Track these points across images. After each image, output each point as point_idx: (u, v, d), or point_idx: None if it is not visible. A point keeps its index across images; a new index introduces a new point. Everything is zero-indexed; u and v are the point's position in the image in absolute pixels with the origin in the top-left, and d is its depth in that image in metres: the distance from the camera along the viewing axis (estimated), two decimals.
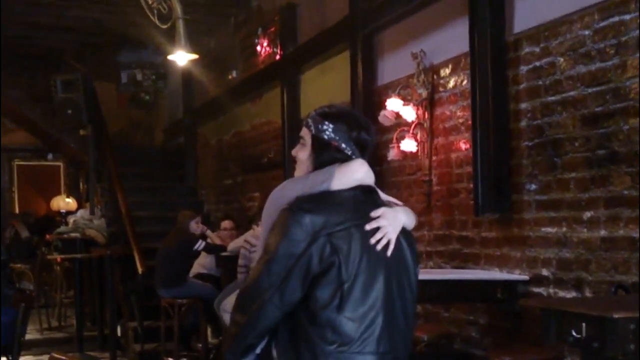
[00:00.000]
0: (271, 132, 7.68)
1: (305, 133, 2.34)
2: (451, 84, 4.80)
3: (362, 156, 2.29)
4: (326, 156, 2.29)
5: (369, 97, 5.63)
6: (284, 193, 2.29)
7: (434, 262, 4.96)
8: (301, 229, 2.14)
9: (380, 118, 5.09)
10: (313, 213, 2.15)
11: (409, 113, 4.97)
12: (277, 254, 2.15)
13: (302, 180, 2.31)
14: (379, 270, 2.17)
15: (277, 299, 2.15)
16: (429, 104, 4.94)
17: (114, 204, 8.77)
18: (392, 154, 5.07)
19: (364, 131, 2.31)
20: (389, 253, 2.19)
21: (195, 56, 7.05)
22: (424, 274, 4.61)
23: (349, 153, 2.28)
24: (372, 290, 2.17)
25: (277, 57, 7.41)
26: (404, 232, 2.26)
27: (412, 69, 5.05)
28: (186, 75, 9.56)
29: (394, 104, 5.01)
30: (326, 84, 6.60)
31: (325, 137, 2.28)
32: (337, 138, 2.28)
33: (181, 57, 7.07)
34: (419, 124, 4.97)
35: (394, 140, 5.06)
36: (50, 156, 13.52)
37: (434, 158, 4.93)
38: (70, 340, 8.27)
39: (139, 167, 9.96)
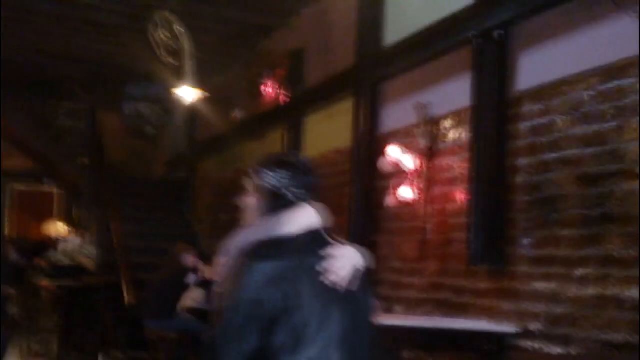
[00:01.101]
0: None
1: (250, 183, 2.41)
2: (452, 136, 4.88)
3: (310, 200, 2.34)
4: (276, 203, 2.35)
5: (370, 144, 5.71)
6: (238, 243, 2.33)
7: (425, 310, 4.97)
8: (255, 277, 2.18)
9: (380, 165, 5.20)
10: (265, 261, 2.20)
11: (409, 162, 5.05)
12: (236, 304, 2.20)
13: (254, 229, 2.37)
14: (333, 310, 2.21)
15: (237, 347, 2.20)
16: (429, 154, 5.00)
17: (108, 233, 8.78)
18: (389, 201, 5.15)
19: (308, 175, 2.37)
20: (342, 289, 2.21)
21: (201, 93, 7.18)
22: (412, 321, 4.66)
23: (295, 199, 2.34)
24: (326, 331, 2.21)
25: (283, 99, 7.53)
26: (357, 270, 2.28)
27: (414, 119, 5.14)
28: (191, 111, 9.65)
29: (394, 152, 5.12)
30: (329, 128, 6.69)
31: (271, 185, 2.35)
32: (282, 185, 2.34)
33: (188, 93, 7.20)
34: (417, 173, 5.03)
35: (392, 187, 5.14)
36: (46, 181, 13.49)
37: (430, 207, 4.98)
38: None
39: (137, 198, 10.00)
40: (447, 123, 4.93)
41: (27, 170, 12.63)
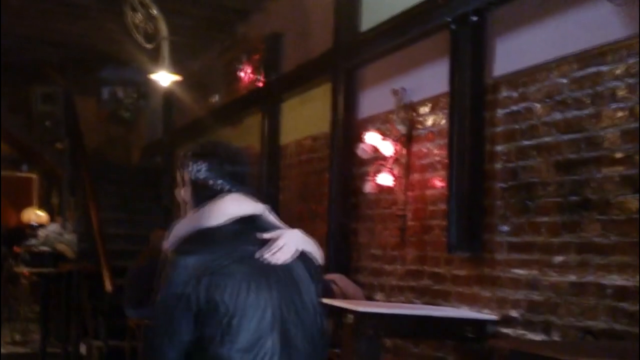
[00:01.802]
0: (250, 158, 7.67)
1: (180, 174, 2.41)
2: (429, 122, 4.85)
3: (239, 188, 2.33)
4: (202, 194, 2.34)
5: (348, 129, 5.67)
6: (171, 237, 2.33)
7: (405, 297, 4.97)
8: (180, 271, 2.19)
9: (359, 151, 5.17)
10: (191, 254, 2.20)
11: (387, 148, 5.02)
12: (164, 298, 2.22)
13: (185, 221, 2.35)
14: (266, 298, 2.21)
15: (168, 340, 2.21)
16: (407, 140, 4.97)
17: (86, 220, 8.69)
18: (368, 187, 5.11)
19: (235, 165, 2.36)
20: (278, 275, 2.23)
21: (178, 77, 7.07)
22: (394, 309, 4.66)
23: (222, 188, 2.33)
24: (260, 320, 2.20)
25: (260, 84, 7.45)
26: (296, 253, 2.28)
27: (391, 105, 5.10)
28: (167, 96, 9.55)
29: (372, 138, 5.09)
30: (306, 113, 6.64)
31: (199, 176, 2.35)
32: (209, 175, 2.34)
33: (164, 78, 7.08)
34: (396, 159, 5.00)
35: (371, 174, 5.11)
36: (24, 167, 13.34)
37: (409, 193, 4.96)
38: (33, 356, 8.17)
39: (114, 184, 9.88)
40: (425, 109, 4.90)
41: (3, 156, 12.46)
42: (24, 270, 9.09)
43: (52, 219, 11.03)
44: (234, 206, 2.31)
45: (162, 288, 2.23)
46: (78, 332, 7.64)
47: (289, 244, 2.27)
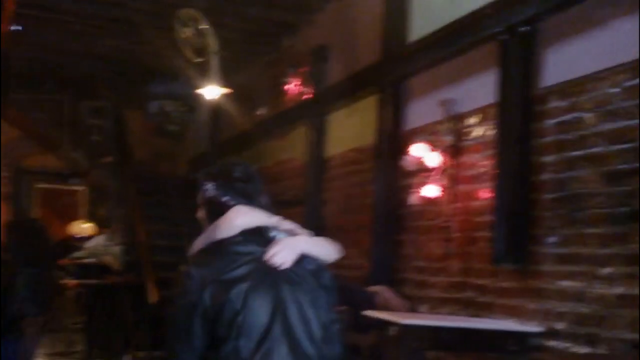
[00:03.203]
0: (295, 170, 7.79)
1: (198, 196, 2.65)
2: (477, 133, 4.88)
3: (246, 202, 2.57)
4: (214, 211, 2.59)
5: (394, 141, 5.72)
6: (191, 252, 2.58)
7: (449, 309, 4.98)
8: (192, 281, 2.42)
9: (404, 162, 5.22)
10: (200, 266, 2.46)
11: (433, 159, 5.06)
12: (179, 306, 2.45)
13: (202, 236, 2.60)
14: (271, 299, 2.41)
15: (186, 346, 2.44)
16: (454, 151, 5.00)
17: (132, 232, 8.86)
18: (413, 199, 5.16)
19: (246, 182, 2.61)
20: (285, 281, 2.43)
21: (225, 90, 7.22)
22: (438, 321, 4.66)
23: (231, 204, 2.56)
24: (266, 320, 2.40)
25: (306, 96, 7.56)
26: (308, 258, 2.51)
27: (438, 116, 5.15)
28: (214, 109, 9.69)
29: (418, 150, 5.14)
30: (352, 125, 6.72)
31: (210, 195, 2.60)
32: (217, 193, 2.59)
33: (211, 91, 7.23)
34: (442, 171, 5.03)
35: (416, 186, 5.15)
36: (73, 180, 13.49)
37: (455, 205, 4.98)
38: None
39: (160, 196, 10.03)
40: (472, 120, 4.93)
41: (51, 169, 12.79)
42: (70, 282, 9.28)
43: (99, 232, 11.26)
44: (240, 219, 2.53)
45: (178, 298, 2.47)
46: (122, 343, 7.76)
47: (287, 249, 2.47)
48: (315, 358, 2.45)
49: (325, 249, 2.61)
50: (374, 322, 4.59)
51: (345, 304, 4.98)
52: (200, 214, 2.66)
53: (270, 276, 2.43)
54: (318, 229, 6.73)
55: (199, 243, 2.56)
